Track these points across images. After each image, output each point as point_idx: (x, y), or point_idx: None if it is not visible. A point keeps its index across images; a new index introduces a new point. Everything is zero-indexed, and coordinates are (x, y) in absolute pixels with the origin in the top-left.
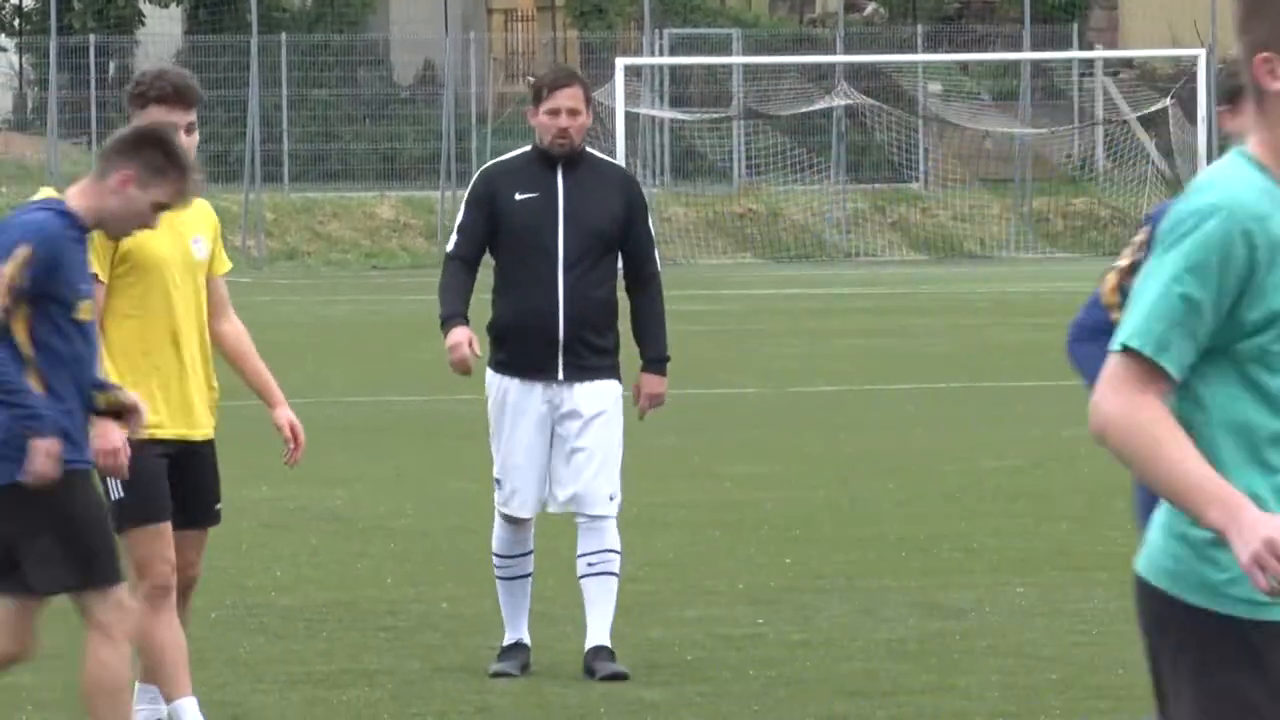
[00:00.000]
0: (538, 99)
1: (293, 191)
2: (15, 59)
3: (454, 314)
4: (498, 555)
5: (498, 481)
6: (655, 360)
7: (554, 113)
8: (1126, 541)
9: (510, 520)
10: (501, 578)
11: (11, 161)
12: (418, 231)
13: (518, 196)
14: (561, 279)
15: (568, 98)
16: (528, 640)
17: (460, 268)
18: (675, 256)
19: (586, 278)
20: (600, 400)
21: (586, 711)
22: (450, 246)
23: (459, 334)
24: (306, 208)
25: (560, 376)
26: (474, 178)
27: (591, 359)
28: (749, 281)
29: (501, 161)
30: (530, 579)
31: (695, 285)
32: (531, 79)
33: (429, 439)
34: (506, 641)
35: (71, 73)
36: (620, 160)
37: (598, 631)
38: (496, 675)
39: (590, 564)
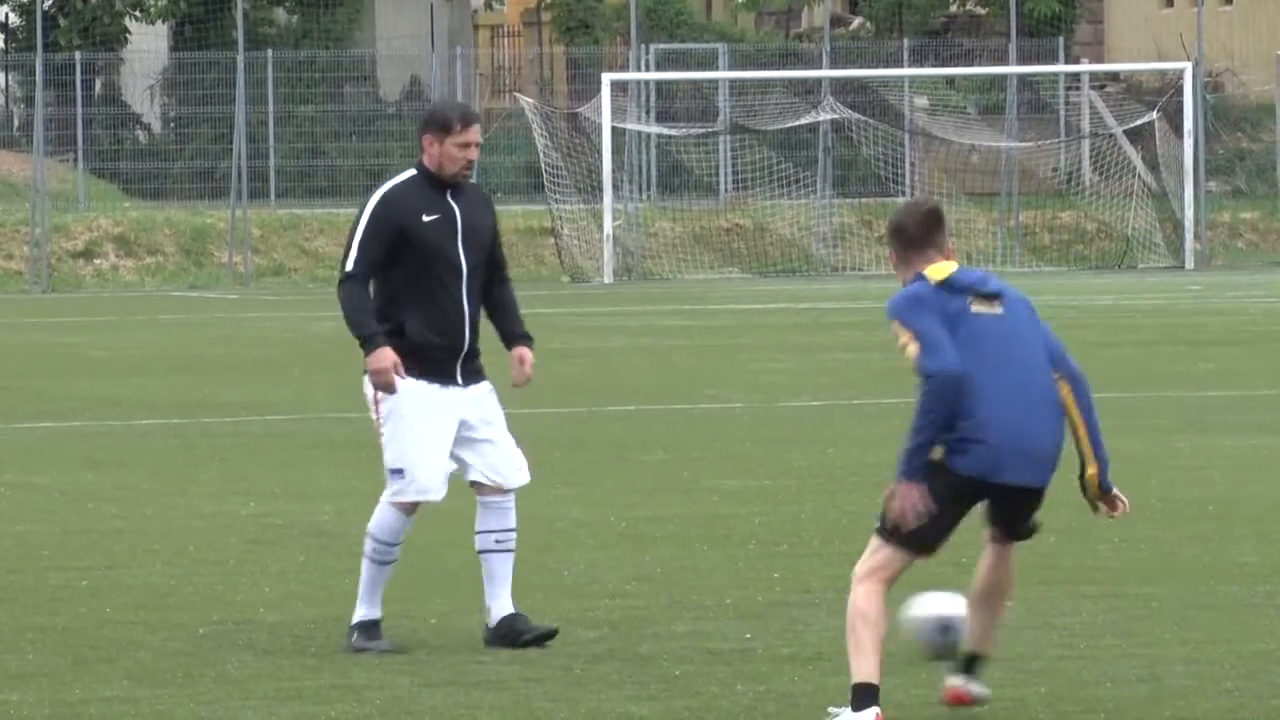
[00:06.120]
0: (447, 130)
1: (279, 208)
2: (1, 76)
3: (377, 332)
4: (380, 541)
5: (397, 473)
6: (527, 336)
7: (465, 145)
8: (1115, 555)
9: (405, 510)
10: (378, 561)
11: None
12: None
13: (425, 218)
14: (465, 293)
15: (476, 133)
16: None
17: (362, 286)
18: (661, 271)
19: (478, 290)
20: (489, 396)
21: None
22: (351, 265)
23: (388, 356)
24: (293, 224)
25: (460, 381)
26: (375, 200)
27: (476, 362)
28: (736, 296)
29: (398, 185)
30: (396, 565)
31: (682, 300)
32: (439, 113)
33: None
34: (369, 618)
35: (57, 89)
36: (606, 174)
37: (506, 603)
38: (381, 651)
39: (498, 540)
